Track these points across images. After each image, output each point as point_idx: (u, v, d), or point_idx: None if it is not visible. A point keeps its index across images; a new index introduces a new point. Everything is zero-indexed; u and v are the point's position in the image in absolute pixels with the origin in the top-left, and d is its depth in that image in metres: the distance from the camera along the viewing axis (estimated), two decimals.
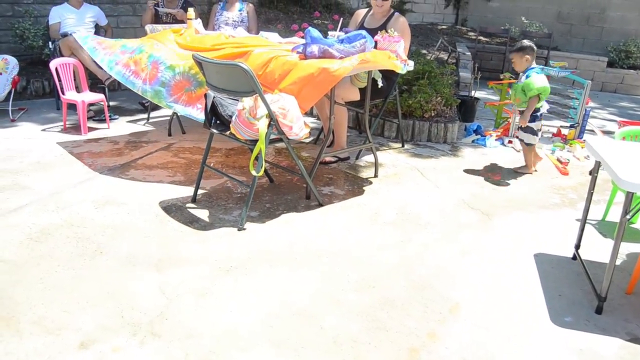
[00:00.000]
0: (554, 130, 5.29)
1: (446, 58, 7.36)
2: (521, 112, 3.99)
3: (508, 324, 2.25)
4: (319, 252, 2.76)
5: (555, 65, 5.66)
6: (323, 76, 3.08)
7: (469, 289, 2.49)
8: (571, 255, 2.84)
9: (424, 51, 7.16)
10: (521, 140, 4.09)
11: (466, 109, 5.41)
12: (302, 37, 3.90)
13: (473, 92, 5.52)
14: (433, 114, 4.87)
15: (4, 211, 3.04)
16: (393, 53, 3.57)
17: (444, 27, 9.95)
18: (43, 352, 1.94)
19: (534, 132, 3.99)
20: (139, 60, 3.87)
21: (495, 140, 4.86)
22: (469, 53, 7.62)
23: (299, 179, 3.69)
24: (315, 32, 3.37)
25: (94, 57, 4.05)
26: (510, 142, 4.86)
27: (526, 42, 3.98)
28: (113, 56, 3.96)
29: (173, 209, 3.17)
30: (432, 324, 2.21)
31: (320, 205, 3.32)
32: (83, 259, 2.58)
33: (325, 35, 3.67)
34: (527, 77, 3.87)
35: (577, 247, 2.82)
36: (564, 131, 5.16)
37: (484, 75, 6.49)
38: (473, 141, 4.87)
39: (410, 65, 3.65)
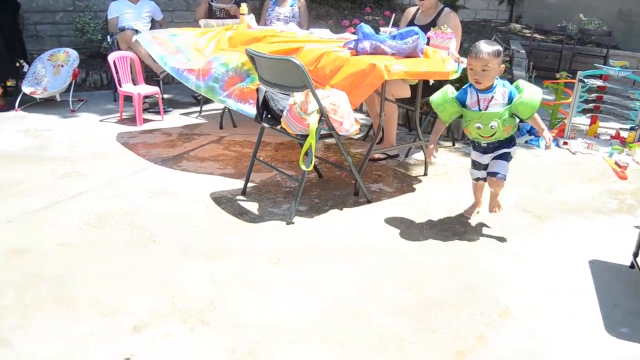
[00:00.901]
0: (613, 132, 5.08)
1: None
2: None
3: (560, 331, 2.18)
4: (366, 249, 2.75)
5: (615, 65, 5.43)
6: (374, 73, 3.06)
7: (520, 293, 2.43)
8: (629, 264, 2.73)
9: None
10: (495, 175, 2.90)
11: None
12: (354, 33, 3.89)
13: None
14: None
15: (64, 197, 3.17)
16: (445, 50, 3.52)
17: (497, 23, 9.71)
18: (98, 334, 2.01)
19: None
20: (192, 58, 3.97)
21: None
22: (524, 51, 7.41)
23: (348, 175, 3.69)
24: (367, 28, 3.36)
25: (149, 50, 4.16)
26: (565, 143, 4.69)
27: (496, 43, 2.72)
28: (167, 53, 4.06)
29: (223, 201, 3.22)
30: (481, 328, 2.17)
31: (369, 202, 3.31)
32: (137, 246, 2.66)
33: (377, 31, 3.64)
34: (511, 94, 2.76)
35: (636, 255, 2.70)
36: (623, 133, 4.94)
37: (539, 74, 6.30)
38: (526, 142, 4.73)
39: (464, 63, 3.58)
